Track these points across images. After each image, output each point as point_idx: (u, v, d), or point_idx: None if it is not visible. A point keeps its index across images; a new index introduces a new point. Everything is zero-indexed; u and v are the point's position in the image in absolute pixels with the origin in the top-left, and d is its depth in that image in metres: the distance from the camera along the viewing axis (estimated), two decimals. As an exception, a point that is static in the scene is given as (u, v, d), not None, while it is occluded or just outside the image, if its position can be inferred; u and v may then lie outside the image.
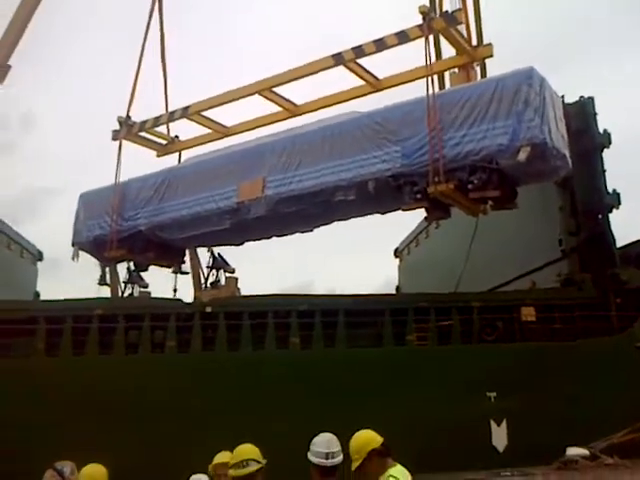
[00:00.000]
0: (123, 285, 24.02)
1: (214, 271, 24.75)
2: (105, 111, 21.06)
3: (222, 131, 20.43)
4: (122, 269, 22.45)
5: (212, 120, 20.20)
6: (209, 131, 20.68)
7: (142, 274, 23.82)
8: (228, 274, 23.90)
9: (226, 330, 17.28)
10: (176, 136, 21.57)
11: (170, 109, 21.04)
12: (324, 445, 5.27)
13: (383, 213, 17.73)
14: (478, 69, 16.85)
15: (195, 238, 19.60)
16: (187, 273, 27.36)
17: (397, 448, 13.70)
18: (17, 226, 28.08)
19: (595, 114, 18.92)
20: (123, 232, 20.04)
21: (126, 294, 23.01)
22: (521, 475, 13.94)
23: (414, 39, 15.87)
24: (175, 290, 26.54)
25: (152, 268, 22.22)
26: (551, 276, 18.75)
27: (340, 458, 5.22)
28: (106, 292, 22.49)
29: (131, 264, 22.30)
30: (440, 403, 15.74)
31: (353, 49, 16.65)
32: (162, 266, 21.80)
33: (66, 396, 15.71)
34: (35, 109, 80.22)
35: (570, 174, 16.62)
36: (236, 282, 22.79)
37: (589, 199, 18.54)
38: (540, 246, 19.41)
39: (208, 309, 17.75)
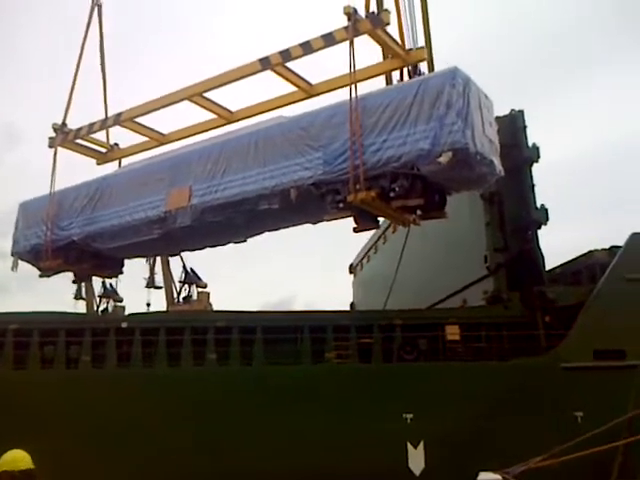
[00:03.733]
0: (98, 299, 23.76)
1: (186, 286, 24.51)
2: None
3: (160, 139, 19.18)
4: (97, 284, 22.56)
5: (148, 128, 18.98)
6: (147, 139, 19.44)
7: (117, 289, 23.43)
8: (200, 289, 23.53)
9: (141, 346, 16.29)
10: (116, 144, 20.32)
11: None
12: None
13: (314, 223, 16.38)
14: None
15: (128, 248, 18.25)
16: (160, 287, 27.20)
17: (312, 467, 12.57)
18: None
19: (525, 127, 17.69)
20: (58, 242, 18.73)
21: (101, 308, 22.86)
22: None
23: (341, 41, 14.58)
24: (148, 304, 26.72)
25: (126, 282, 21.71)
26: (480, 294, 17.44)
27: None
28: (82, 306, 22.66)
29: (107, 279, 21.89)
30: (355, 423, 14.85)
31: (280, 52, 15.35)
32: (101, 277, 20.52)
33: None
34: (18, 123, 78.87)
35: (498, 188, 15.38)
36: (208, 297, 22.44)
37: (517, 214, 17.27)
38: (470, 263, 18.14)
39: (124, 324, 16.80)
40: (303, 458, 14.59)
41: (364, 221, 14.81)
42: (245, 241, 17.82)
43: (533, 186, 17.40)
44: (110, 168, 20.36)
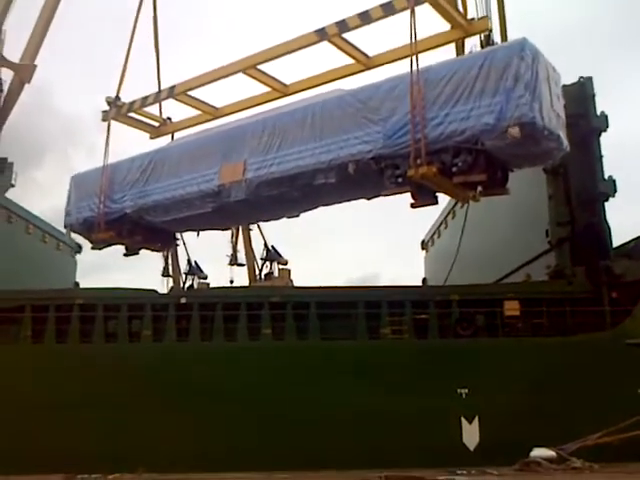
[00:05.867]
0: (184, 276, 24.87)
1: (268, 263, 25.03)
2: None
3: (212, 112, 18.77)
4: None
5: (201, 101, 18.59)
6: (200, 112, 19.01)
7: (201, 265, 24.79)
8: (281, 266, 23.89)
9: (200, 321, 16.34)
10: (168, 118, 19.97)
11: (163, 90, 19.33)
12: None
13: (369, 199, 15.90)
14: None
15: (180, 221, 17.97)
16: (243, 265, 27.91)
17: (364, 441, 13.68)
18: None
19: (594, 95, 16.81)
20: (111, 214, 18.52)
21: (187, 285, 23.64)
22: (476, 475, 12.55)
23: (400, 11, 13.93)
24: (232, 281, 27.33)
25: (210, 259, 21.96)
26: (544, 269, 16.79)
27: None
28: (169, 283, 23.83)
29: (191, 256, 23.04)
30: (410, 398, 14.60)
31: (336, 23, 14.83)
32: (152, 250, 20.32)
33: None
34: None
35: (563, 160, 14.65)
36: (289, 274, 22.72)
37: (583, 187, 16.47)
38: (534, 237, 17.44)
39: (183, 300, 16.85)
40: (358, 432, 14.50)
41: (422, 197, 14.27)
42: (298, 216, 17.42)
43: (601, 157, 16.61)
44: (163, 142, 20.05)
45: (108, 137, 19.11)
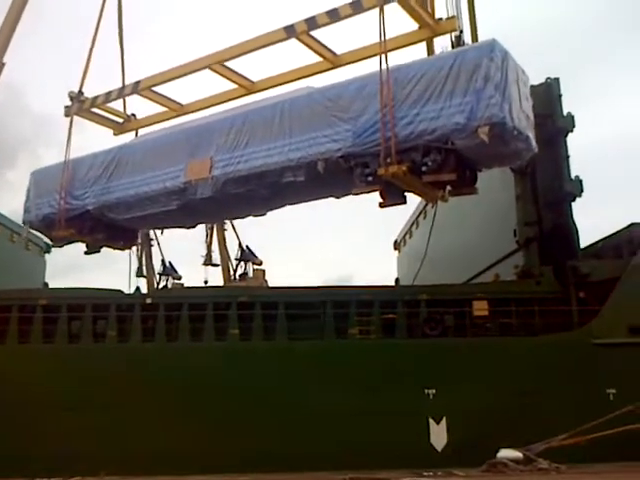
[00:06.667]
0: (158, 277, 24.66)
1: (242, 263, 24.88)
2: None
3: (178, 109, 18.38)
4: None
5: (167, 97, 18.18)
6: (166, 109, 18.57)
7: (175, 266, 24.64)
8: (256, 266, 23.68)
9: (165, 321, 16.10)
10: (133, 114, 19.46)
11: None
12: None
13: (338, 197, 15.69)
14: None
15: (144, 219, 17.51)
16: (217, 265, 27.65)
17: (330, 442, 13.32)
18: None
19: (560, 95, 16.95)
20: (72, 211, 17.93)
21: (161, 285, 23.52)
22: (443, 477, 12.46)
23: (369, 9, 13.76)
24: (206, 282, 26.78)
25: (184, 259, 21.67)
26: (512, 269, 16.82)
27: None
28: (143, 283, 23.32)
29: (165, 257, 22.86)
30: (377, 398, 14.57)
31: (305, 20, 14.58)
32: (115, 248, 19.71)
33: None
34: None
35: (531, 160, 14.66)
36: (264, 274, 22.55)
37: (550, 187, 16.56)
38: (502, 237, 17.50)
39: (148, 300, 16.63)
40: (324, 433, 14.32)
41: (391, 196, 14.12)
42: (265, 214, 17.10)
43: (568, 157, 16.71)
44: (127, 139, 19.51)
45: (70, 133, 18.52)
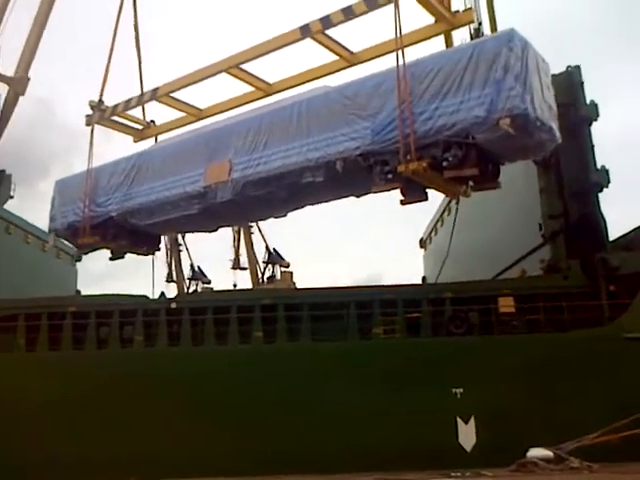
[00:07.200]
0: (188, 282, 25.35)
1: (270, 266, 25.15)
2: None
3: (196, 114, 18.32)
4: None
5: (185, 103, 18.13)
6: (184, 114, 18.53)
7: (205, 271, 25.58)
8: (283, 268, 23.96)
9: (191, 325, 16.18)
10: (152, 121, 19.47)
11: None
12: None
13: (358, 196, 15.45)
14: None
15: (166, 224, 17.49)
16: (245, 269, 27.87)
17: (357, 443, 13.22)
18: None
19: (582, 83, 16.44)
20: (96, 218, 18.05)
21: (191, 290, 23.97)
22: (470, 477, 12.02)
23: (384, 4, 13.51)
24: (235, 285, 27.37)
25: (214, 264, 21.88)
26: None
27: None
28: (173, 288, 23.94)
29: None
30: (403, 398, 14.24)
31: (320, 19, 14.38)
32: (138, 254, 19.74)
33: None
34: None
35: (554, 151, 14.23)
36: (291, 276, 22.60)
37: (576, 178, 16.00)
38: (528, 232, 17.00)
39: (173, 305, 16.63)
40: (350, 434, 14.09)
41: (412, 193, 13.88)
42: (285, 215, 16.95)
43: (592, 146, 16.19)
44: (147, 145, 19.51)
45: (92, 141, 18.68)
